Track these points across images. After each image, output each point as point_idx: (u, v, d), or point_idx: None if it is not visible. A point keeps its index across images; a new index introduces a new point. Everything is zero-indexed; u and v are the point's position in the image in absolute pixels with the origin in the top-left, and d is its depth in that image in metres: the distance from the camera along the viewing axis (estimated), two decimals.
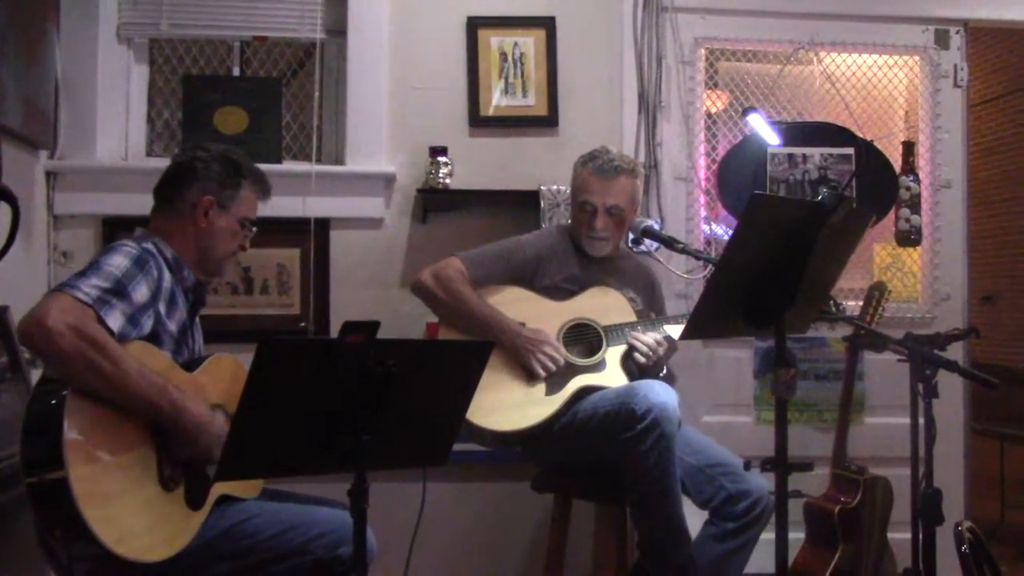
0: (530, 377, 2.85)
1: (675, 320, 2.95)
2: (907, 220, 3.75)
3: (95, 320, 2.04)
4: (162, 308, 2.26)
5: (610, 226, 3.00)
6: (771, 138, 3.58)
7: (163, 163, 2.55)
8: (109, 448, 2.02)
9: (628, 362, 2.92)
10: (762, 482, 2.75)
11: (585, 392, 2.84)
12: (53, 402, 1.98)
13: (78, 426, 1.96)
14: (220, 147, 2.49)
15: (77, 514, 1.91)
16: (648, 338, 2.88)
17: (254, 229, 2.52)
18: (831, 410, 3.57)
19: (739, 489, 2.78)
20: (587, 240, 3.03)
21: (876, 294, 3.20)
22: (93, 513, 1.92)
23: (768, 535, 2.40)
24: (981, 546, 2.80)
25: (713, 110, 3.83)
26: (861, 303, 3.26)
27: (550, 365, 2.84)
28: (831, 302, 2.74)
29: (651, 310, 3.11)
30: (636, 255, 3.35)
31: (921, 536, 2.75)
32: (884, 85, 3.84)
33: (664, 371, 2.99)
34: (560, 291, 3.01)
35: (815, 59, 3.81)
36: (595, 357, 2.91)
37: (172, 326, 2.29)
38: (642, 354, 2.87)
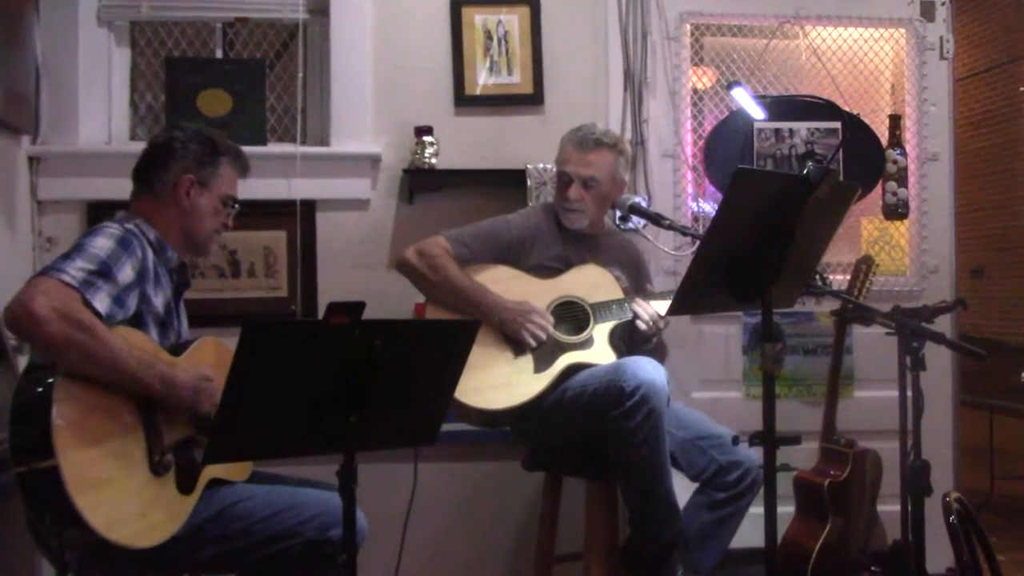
0: (518, 354, 2.86)
1: (663, 296, 2.95)
2: (894, 193, 3.75)
3: (81, 303, 2.04)
4: (148, 289, 2.26)
5: (586, 199, 3.00)
6: (755, 112, 3.57)
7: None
8: (98, 435, 2.02)
9: (616, 339, 2.92)
10: (752, 453, 2.76)
11: (574, 369, 2.84)
12: (40, 390, 1.98)
13: (66, 414, 1.97)
14: (196, 126, 2.49)
15: (68, 502, 1.91)
16: (652, 308, 2.89)
17: (236, 206, 2.52)
18: (820, 384, 3.58)
19: (730, 460, 2.80)
20: (562, 211, 3.03)
21: (864, 267, 3.20)
22: (84, 500, 1.93)
23: (757, 509, 2.41)
24: (969, 517, 2.82)
25: (699, 86, 3.81)
26: (849, 277, 3.26)
27: (539, 334, 2.85)
28: (818, 276, 2.74)
29: (637, 287, 3.11)
30: (621, 233, 3.35)
31: (910, 508, 2.76)
32: (870, 58, 3.83)
33: (654, 342, 2.99)
34: (546, 270, 3.00)
35: (800, 33, 3.80)
36: (583, 334, 2.91)
37: (157, 307, 2.29)
38: (643, 321, 2.88)
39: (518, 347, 2.88)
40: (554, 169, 3.32)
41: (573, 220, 3.03)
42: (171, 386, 2.13)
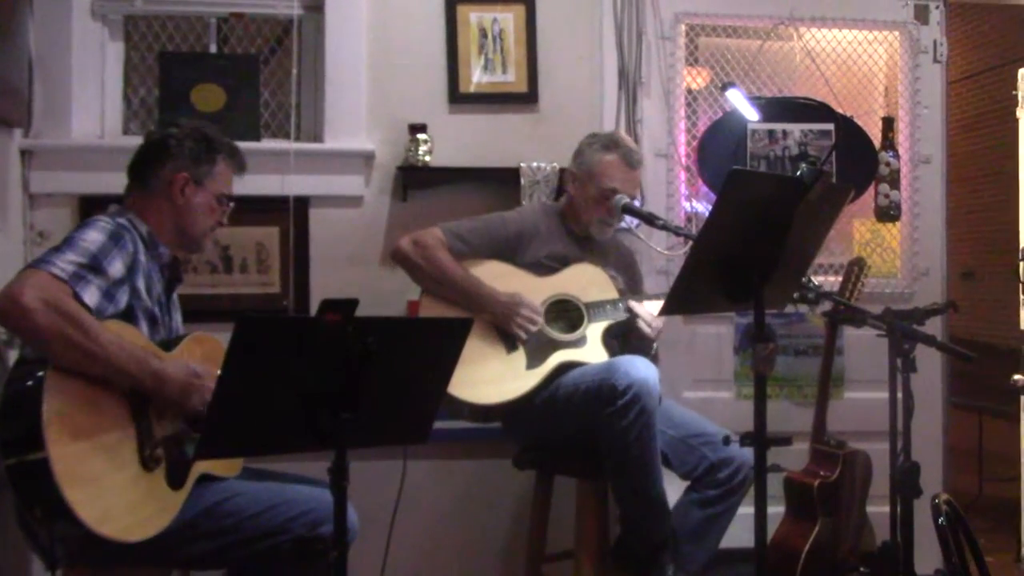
0: (511, 350, 2.86)
1: (655, 296, 2.96)
2: (886, 195, 3.76)
3: (70, 295, 2.04)
4: (138, 283, 2.25)
5: None
6: (750, 113, 3.58)
7: (140, 141, 2.52)
8: (89, 429, 2.02)
9: (609, 338, 2.93)
10: (743, 451, 2.77)
11: (566, 367, 2.85)
12: (30, 383, 1.97)
13: (57, 407, 1.96)
14: (192, 123, 2.48)
15: (58, 495, 1.90)
16: (650, 308, 2.90)
17: (231, 204, 2.51)
18: (811, 385, 3.59)
19: (720, 457, 2.81)
20: (599, 225, 3.03)
21: (855, 269, 3.21)
22: (74, 494, 1.92)
23: (747, 509, 2.41)
24: (958, 518, 2.83)
25: (693, 86, 3.82)
26: (841, 278, 3.27)
27: (530, 326, 2.85)
28: (808, 279, 2.74)
29: (630, 288, 3.11)
30: (616, 233, 3.35)
31: (899, 509, 2.77)
32: (864, 61, 3.84)
33: (655, 349, 3.00)
34: (542, 268, 3.01)
35: (795, 34, 3.80)
36: (576, 333, 2.92)
37: (148, 302, 2.28)
38: (646, 323, 2.89)
39: (511, 343, 2.88)
40: (547, 168, 3.34)
41: (607, 232, 3.06)
42: (161, 381, 2.11)
